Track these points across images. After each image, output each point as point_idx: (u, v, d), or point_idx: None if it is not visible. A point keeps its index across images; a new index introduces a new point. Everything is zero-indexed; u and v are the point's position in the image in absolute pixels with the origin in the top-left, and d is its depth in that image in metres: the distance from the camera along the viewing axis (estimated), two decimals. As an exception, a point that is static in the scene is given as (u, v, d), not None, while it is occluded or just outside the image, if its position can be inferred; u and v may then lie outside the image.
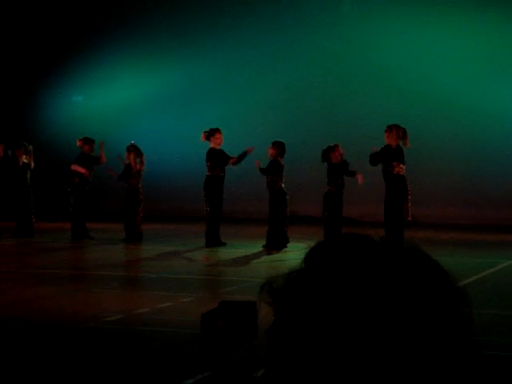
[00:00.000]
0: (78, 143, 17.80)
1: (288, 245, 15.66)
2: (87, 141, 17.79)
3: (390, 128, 14.72)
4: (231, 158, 16.20)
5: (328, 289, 1.03)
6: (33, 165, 17.85)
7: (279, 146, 15.96)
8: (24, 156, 17.69)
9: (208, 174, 16.19)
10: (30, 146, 17.95)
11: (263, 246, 15.66)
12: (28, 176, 17.73)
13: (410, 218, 14.61)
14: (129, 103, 24.05)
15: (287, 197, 15.89)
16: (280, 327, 1.06)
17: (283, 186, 15.95)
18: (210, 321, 5.94)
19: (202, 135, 16.40)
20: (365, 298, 1.02)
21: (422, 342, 1.01)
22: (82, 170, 17.38)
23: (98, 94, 24.57)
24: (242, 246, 15.89)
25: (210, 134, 16.29)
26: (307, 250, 1.09)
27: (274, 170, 15.82)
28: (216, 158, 16.08)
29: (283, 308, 1.06)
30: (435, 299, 1.03)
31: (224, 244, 15.95)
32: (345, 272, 1.04)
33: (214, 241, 15.93)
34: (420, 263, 1.06)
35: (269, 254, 15.09)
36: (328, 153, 15.47)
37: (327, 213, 15.32)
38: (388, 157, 14.52)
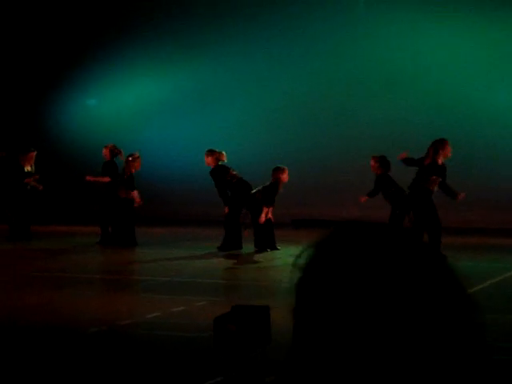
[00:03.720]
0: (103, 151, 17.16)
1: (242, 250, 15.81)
2: (107, 148, 17.14)
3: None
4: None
5: (340, 279, 1.10)
6: (33, 168, 17.59)
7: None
8: (26, 161, 17.44)
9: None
10: (35, 152, 17.65)
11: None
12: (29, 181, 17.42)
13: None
14: (141, 107, 24.07)
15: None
16: (302, 307, 1.15)
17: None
18: (223, 325, 5.90)
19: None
20: (374, 295, 1.08)
21: (429, 340, 1.06)
22: (95, 178, 17.11)
23: (111, 98, 24.62)
24: (254, 250, 15.86)
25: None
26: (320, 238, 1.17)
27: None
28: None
29: (303, 290, 1.15)
30: (444, 304, 1.08)
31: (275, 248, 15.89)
32: (356, 264, 1.10)
33: (265, 244, 15.91)
34: (433, 265, 1.10)
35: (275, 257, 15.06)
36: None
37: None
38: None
